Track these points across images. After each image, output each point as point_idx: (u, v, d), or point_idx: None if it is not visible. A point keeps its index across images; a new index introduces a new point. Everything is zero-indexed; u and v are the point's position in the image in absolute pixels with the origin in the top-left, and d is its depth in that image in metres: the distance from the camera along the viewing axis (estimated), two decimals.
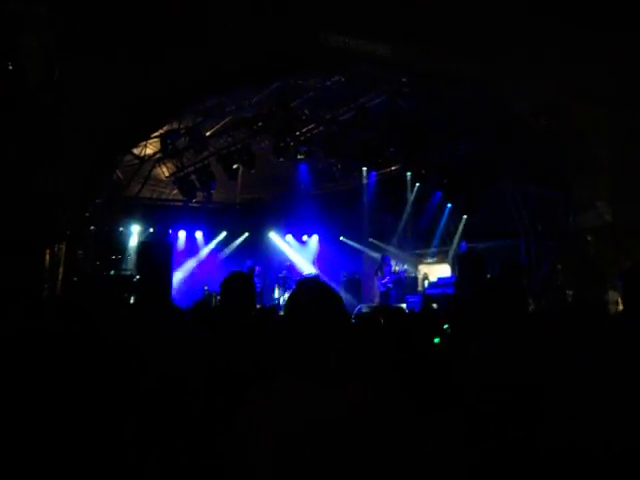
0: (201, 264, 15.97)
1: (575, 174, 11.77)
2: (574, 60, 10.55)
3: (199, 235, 16.58)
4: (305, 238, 17.69)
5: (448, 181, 14.18)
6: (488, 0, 10.38)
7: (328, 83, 11.75)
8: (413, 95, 11.94)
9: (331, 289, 1.93)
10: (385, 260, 14.25)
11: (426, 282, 14.92)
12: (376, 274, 14.26)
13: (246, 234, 16.83)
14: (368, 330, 3.50)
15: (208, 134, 13.12)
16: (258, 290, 14.63)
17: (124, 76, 9.58)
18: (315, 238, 17.57)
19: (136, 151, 13.11)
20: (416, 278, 15.33)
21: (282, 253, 17.19)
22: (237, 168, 13.54)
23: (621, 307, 3.26)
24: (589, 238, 11.43)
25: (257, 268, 14.90)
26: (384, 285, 14.03)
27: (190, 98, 10.72)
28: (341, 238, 17.14)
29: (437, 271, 15.39)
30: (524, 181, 13.16)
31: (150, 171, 13.68)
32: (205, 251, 16.44)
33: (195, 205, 15.42)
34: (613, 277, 9.79)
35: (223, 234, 16.67)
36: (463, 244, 12.91)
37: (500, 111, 11.62)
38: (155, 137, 12.66)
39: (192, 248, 16.35)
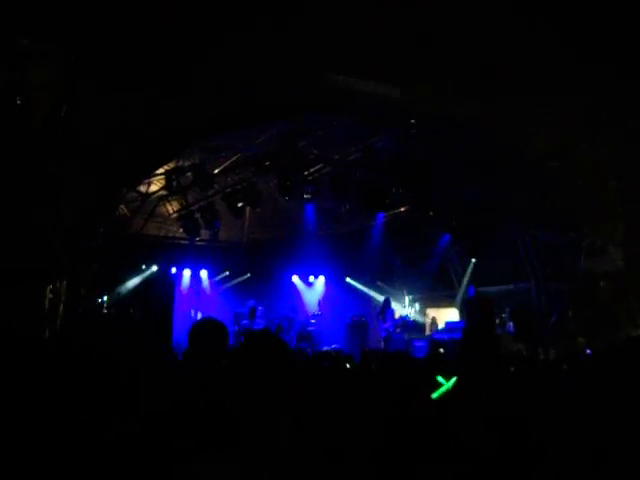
0: (205, 302, 15.81)
1: (586, 218, 11.60)
2: (584, 104, 10.50)
3: (204, 274, 16.48)
4: (311, 279, 17.55)
5: (456, 224, 14.01)
6: (499, 43, 10.38)
7: (336, 124, 11.73)
8: (422, 137, 11.88)
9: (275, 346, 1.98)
10: (387, 303, 14.03)
11: (434, 326, 14.70)
12: (378, 318, 14.02)
13: (248, 274, 16.74)
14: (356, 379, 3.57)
15: (214, 172, 13.09)
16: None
17: (130, 113, 9.62)
18: (321, 279, 17.44)
19: (142, 188, 13.10)
20: (424, 322, 15.04)
21: (287, 294, 17.05)
22: (242, 207, 13.49)
23: None
24: (602, 284, 11.15)
25: (259, 308, 14.70)
26: (385, 330, 13.78)
27: (195, 137, 10.75)
28: (347, 279, 16.97)
29: (445, 315, 15.16)
30: (534, 225, 13.02)
31: (154, 208, 13.67)
32: (208, 289, 16.30)
33: (201, 244, 15.36)
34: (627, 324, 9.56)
35: (226, 273, 16.61)
36: (471, 288, 12.69)
37: (509, 155, 11.52)
38: (160, 174, 12.63)
39: (196, 287, 16.21)
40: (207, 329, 3.08)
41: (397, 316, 14.66)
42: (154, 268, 14.81)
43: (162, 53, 9.33)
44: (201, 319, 3.22)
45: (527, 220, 13.04)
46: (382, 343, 14.37)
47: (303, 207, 15.20)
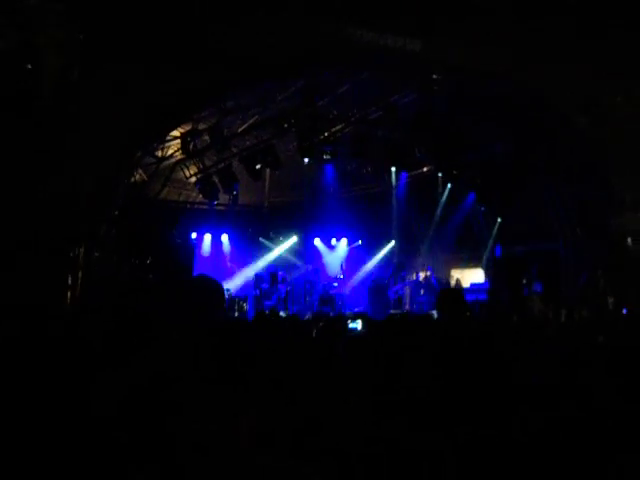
0: (225, 268, 15.79)
1: (616, 174, 11.25)
2: (617, 56, 10.12)
3: (225, 238, 16.37)
4: (334, 242, 17.37)
5: (481, 182, 13.72)
6: None
7: (355, 81, 11.43)
8: (444, 92, 11.52)
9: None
10: (399, 267, 13.83)
11: (458, 286, 14.35)
12: (388, 280, 13.83)
13: (270, 236, 16.55)
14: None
15: (231, 134, 12.91)
16: (282, 295, 14.46)
17: (143, 74, 9.44)
18: (343, 242, 17.24)
19: (158, 153, 12.97)
20: (448, 284, 14.83)
21: (309, 257, 16.91)
22: (261, 169, 13.29)
23: None
24: (629, 241, 10.90)
25: (280, 273, 14.64)
26: (395, 292, 13.57)
27: (211, 95, 10.53)
28: (363, 242, 16.81)
29: (470, 276, 14.96)
30: (562, 181, 12.67)
31: (171, 172, 13.53)
32: (228, 253, 16.23)
33: (221, 208, 15.30)
34: None
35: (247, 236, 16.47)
36: (497, 248, 12.42)
37: (537, 109, 11.15)
38: (176, 138, 12.49)
39: (217, 252, 16.12)
40: (198, 287, 2.71)
41: (422, 278, 14.51)
42: (173, 233, 14.64)
43: (177, 8, 9.13)
44: (195, 276, 2.83)
45: (555, 177, 12.70)
46: (406, 307, 14.37)
47: (323, 169, 14.99)
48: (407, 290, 14.63)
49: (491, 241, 14.72)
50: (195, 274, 13.61)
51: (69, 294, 9.22)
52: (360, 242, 16.69)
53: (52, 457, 1.90)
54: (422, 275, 14.59)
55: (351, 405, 2.59)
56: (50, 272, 8.77)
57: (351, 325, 11.92)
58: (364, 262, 16.61)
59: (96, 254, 9.96)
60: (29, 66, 8.91)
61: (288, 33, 9.41)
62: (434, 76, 11.02)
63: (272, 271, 14.72)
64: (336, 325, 4.86)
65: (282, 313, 13.20)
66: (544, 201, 13.27)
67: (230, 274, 15.51)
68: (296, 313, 12.77)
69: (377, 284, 14.75)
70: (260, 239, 16.59)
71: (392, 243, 16.17)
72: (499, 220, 14.55)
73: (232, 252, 16.36)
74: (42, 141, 8.80)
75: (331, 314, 12.28)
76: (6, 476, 1.84)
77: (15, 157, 8.58)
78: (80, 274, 9.63)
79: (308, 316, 12.09)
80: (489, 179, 13.60)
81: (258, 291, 14.45)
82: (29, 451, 1.91)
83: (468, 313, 4.29)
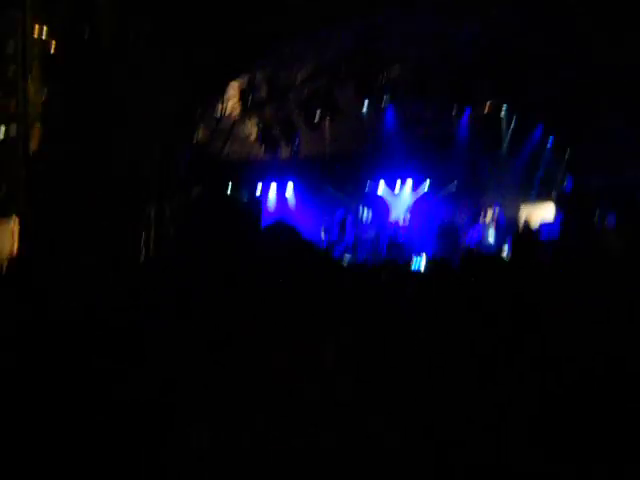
0: (292, 218, 15.94)
1: None
2: None
3: (290, 188, 16.50)
4: (398, 186, 17.01)
5: (551, 112, 13.22)
6: None
7: (413, 19, 11.16)
8: (506, 22, 10.99)
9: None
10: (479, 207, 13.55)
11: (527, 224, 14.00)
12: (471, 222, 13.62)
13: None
14: None
15: (289, 83, 12.91)
16: (351, 242, 14.48)
17: (200, 27, 9.47)
18: (409, 185, 16.90)
19: (219, 109, 12.92)
20: (516, 222, 14.19)
21: (374, 203, 16.71)
22: (321, 118, 13.29)
23: None
24: None
25: (349, 219, 14.69)
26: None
27: (268, 42, 10.45)
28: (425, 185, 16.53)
29: (541, 213, 14.35)
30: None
31: (232, 128, 13.54)
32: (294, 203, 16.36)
33: (283, 160, 15.30)
34: None
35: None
36: (569, 181, 11.82)
37: (611, 30, 10.43)
38: (234, 93, 12.61)
39: (283, 202, 16.33)
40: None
41: (489, 218, 14.25)
42: (238, 191, 14.89)
43: None
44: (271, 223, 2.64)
45: (631, 107, 11.98)
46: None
47: (383, 115, 14.74)
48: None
49: (560, 174, 14.19)
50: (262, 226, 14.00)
51: (143, 250, 9.53)
52: (427, 183, 16.41)
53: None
54: (489, 214, 14.27)
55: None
56: (124, 232, 9.09)
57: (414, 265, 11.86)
58: (431, 205, 16.31)
59: (167, 213, 10.27)
60: (87, 34, 9.12)
61: None
62: None
63: (342, 217, 14.72)
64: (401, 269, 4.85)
65: (348, 256, 13.51)
66: (618, 131, 12.51)
67: (298, 223, 15.59)
68: (365, 260, 12.87)
69: (445, 226, 14.61)
70: (326, 188, 16.59)
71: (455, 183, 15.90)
72: (569, 151, 13.97)
73: (298, 202, 16.52)
74: (103, 106, 9.01)
75: (399, 261, 12.31)
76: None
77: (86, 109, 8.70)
78: (152, 232, 9.99)
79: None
80: (559, 109, 12.99)
81: (327, 238, 14.55)
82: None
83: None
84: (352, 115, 13.89)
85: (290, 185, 16.43)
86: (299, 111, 13.27)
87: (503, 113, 14.23)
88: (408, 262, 12.32)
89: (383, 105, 13.45)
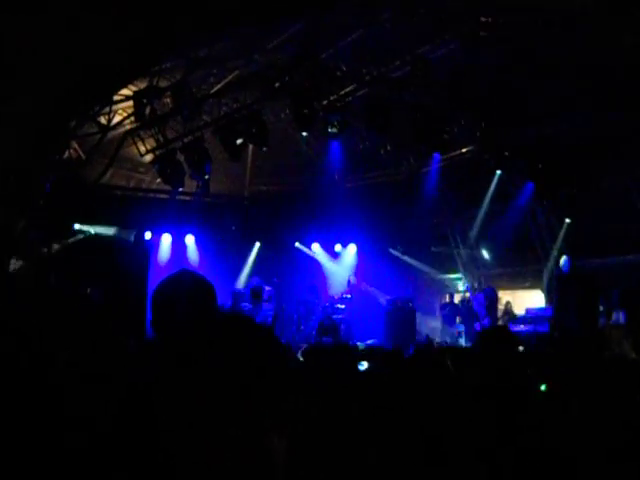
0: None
1: None
2: None
3: (190, 241, 16.41)
4: (338, 248, 17.45)
5: (543, 169, 13.56)
6: None
7: (373, 25, 11.30)
8: (495, 42, 11.33)
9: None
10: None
11: (508, 315, 14.36)
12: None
13: (257, 244, 16.70)
14: None
15: (203, 95, 12.86)
16: (269, 320, 14.26)
17: (79, 18, 9.30)
18: (352, 249, 17.31)
19: (101, 119, 12.57)
20: (493, 307, 14.31)
21: (304, 269, 17.14)
22: (242, 145, 13.06)
23: None
24: None
25: (267, 289, 14.48)
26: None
27: (172, 41, 10.34)
28: (390, 250, 16.90)
29: (525, 299, 15.04)
30: None
31: (119, 148, 13.26)
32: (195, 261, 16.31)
33: (185, 198, 15.24)
34: None
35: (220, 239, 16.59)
36: (565, 260, 12.23)
37: (623, 67, 10.93)
38: (126, 99, 12.33)
39: (180, 258, 16.12)
40: (180, 288, 2.79)
41: (458, 301, 14.80)
42: (118, 232, 14.60)
43: None
44: (170, 275, 2.82)
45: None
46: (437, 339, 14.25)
47: (327, 147, 14.80)
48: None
49: (555, 251, 14.56)
50: (150, 287, 13.53)
51: None
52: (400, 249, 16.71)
53: None
54: (459, 297, 14.70)
55: None
56: None
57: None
58: (382, 278, 16.62)
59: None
60: None
61: None
62: (482, 19, 10.83)
63: (255, 286, 14.56)
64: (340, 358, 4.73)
65: None
66: (630, 196, 13.11)
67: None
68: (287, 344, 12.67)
69: (398, 306, 14.63)
70: (239, 242, 16.71)
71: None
72: (567, 221, 14.41)
73: (200, 260, 16.39)
74: None
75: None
76: None
77: None
78: None
79: (304, 348, 11.94)
80: (553, 165, 13.34)
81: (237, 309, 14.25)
82: None
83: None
84: (285, 145, 14.03)
85: (190, 236, 16.38)
86: (214, 132, 13.03)
87: (485, 162, 14.48)
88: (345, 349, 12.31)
89: (328, 135, 13.34)
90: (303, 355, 5.62)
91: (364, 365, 8.11)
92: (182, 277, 2.87)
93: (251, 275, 15.46)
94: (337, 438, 2.98)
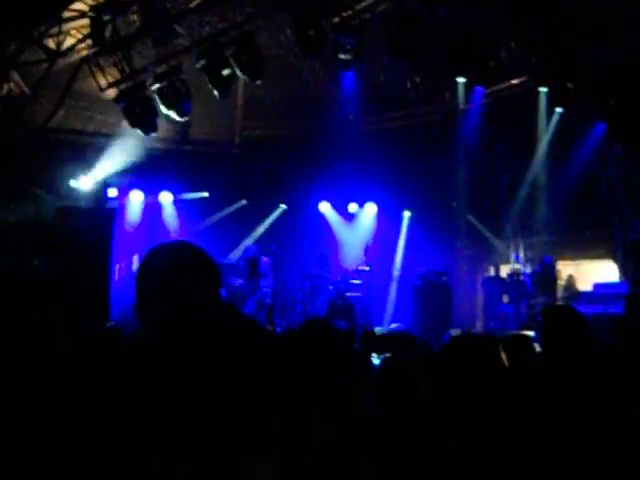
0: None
1: None
2: None
3: (166, 199, 16.37)
4: (353, 209, 17.44)
5: (618, 105, 13.11)
6: None
7: None
8: None
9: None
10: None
11: (570, 290, 14.48)
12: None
13: (243, 200, 16.73)
14: None
15: (180, 11, 12.54)
16: (266, 299, 14.48)
17: None
18: (370, 210, 17.29)
19: (50, 42, 12.49)
20: (553, 282, 14.59)
21: (311, 235, 17.07)
22: (230, 76, 12.72)
23: None
24: None
25: (264, 260, 14.60)
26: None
27: None
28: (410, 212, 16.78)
29: (592, 271, 14.91)
30: None
31: (73, 79, 13.02)
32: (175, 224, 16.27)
33: (159, 146, 15.06)
34: None
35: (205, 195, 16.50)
36: None
37: None
38: (81, 15, 11.98)
39: (153, 222, 16.12)
40: (185, 267, 2.61)
41: (506, 274, 14.73)
42: (76, 185, 14.31)
43: None
44: (166, 246, 2.76)
45: None
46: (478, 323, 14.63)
47: (339, 79, 14.67)
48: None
49: (632, 211, 14.22)
50: (114, 258, 13.67)
51: None
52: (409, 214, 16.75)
53: None
54: (506, 269, 14.71)
55: None
56: None
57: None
58: (408, 246, 16.77)
59: None
60: None
61: None
62: None
63: (250, 256, 14.59)
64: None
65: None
66: None
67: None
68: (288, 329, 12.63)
69: (429, 282, 14.62)
70: (228, 200, 16.72)
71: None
72: None
73: (180, 223, 16.47)
74: None
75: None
76: None
77: None
78: None
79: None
80: (632, 100, 12.94)
81: (226, 290, 14.19)
82: None
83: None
84: (285, 76, 13.79)
85: (167, 193, 16.32)
86: (194, 60, 12.59)
87: (540, 98, 14.12)
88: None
89: (339, 63, 13.03)
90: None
91: (377, 359, 7.86)
92: (184, 251, 2.68)
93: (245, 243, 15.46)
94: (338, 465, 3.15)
